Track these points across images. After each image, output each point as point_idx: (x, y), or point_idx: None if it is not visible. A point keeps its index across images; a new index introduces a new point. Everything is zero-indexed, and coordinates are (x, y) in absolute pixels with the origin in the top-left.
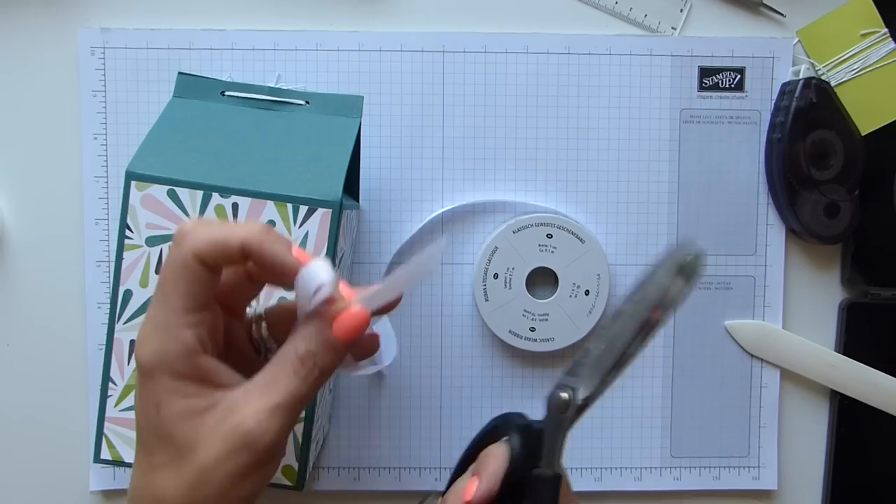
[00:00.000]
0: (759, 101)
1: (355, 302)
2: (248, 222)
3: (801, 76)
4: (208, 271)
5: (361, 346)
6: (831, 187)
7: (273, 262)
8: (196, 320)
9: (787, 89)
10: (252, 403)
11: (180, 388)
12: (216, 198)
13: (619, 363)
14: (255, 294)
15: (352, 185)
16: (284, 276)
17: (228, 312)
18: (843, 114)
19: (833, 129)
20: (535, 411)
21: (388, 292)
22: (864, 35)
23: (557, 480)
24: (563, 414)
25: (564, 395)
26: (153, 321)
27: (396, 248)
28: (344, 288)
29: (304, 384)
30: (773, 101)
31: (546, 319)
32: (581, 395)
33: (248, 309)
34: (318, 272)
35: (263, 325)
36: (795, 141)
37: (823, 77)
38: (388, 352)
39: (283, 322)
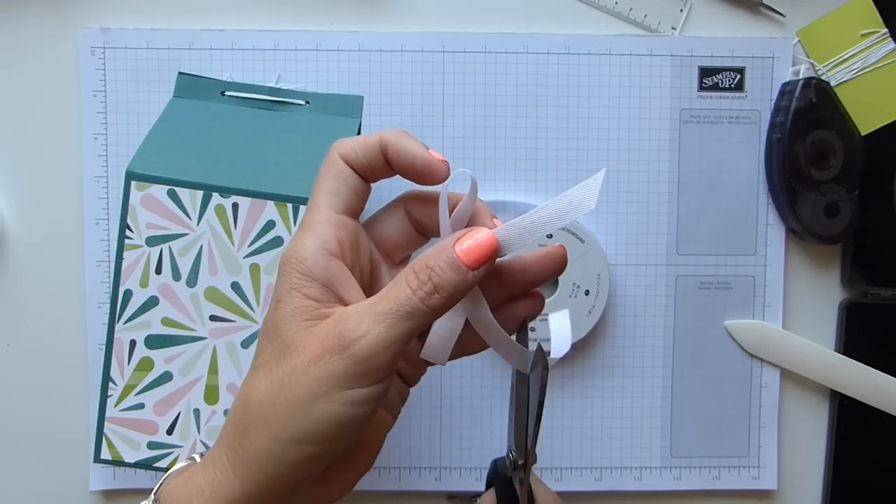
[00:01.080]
0: (759, 101)
1: (489, 229)
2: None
3: (800, 76)
4: (353, 171)
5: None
6: (831, 187)
7: (407, 155)
8: (338, 220)
9: (786, 89)
10: (358, 310)
11: (305, 286)
12: (216, 198)
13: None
14: (417, 245)
15: None
16: (423, 173)
17: (386, 257)
18: (843, 114)
19: (833, 129)
20: None
21: (530, 226)
22: (863, 35)
23: None
24: (515, 471)
25: (507, 460)
26: (301, 224)
27: None
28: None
29: (414, 296)
30: (773, 101)
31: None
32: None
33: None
34: (461, 176)
35: None
36: (795, 141)
37: (823, 77)
38: (559, 346)
39: None
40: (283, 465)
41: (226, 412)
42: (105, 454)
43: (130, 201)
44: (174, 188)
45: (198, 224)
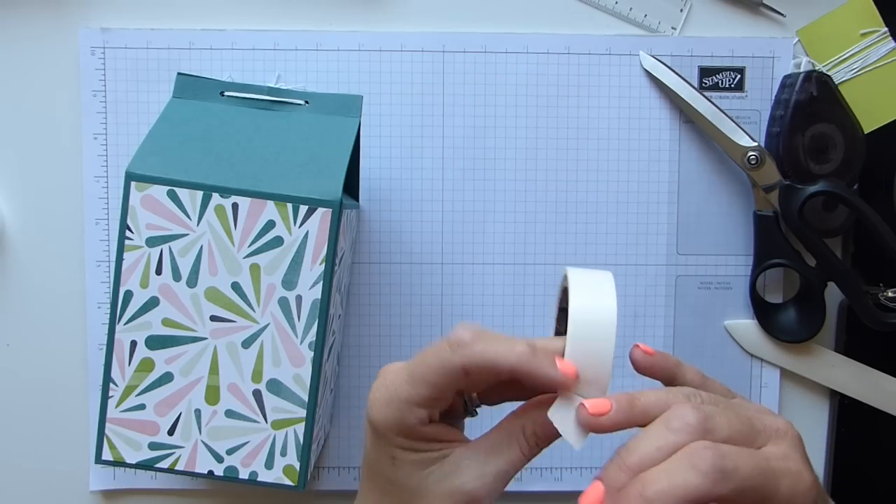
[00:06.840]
0: (759, 101)
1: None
2: (514, 342)
3: (802, 69)
4: (467, 379)
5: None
6: (830, 181)
7: (542, 381)
8: (436, 405)
9: (787, 82)
10: (477, 467)
11: (412, 445)
12: (216, 198)
13: None
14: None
15: (352, 185)
16: (551, 388)
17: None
18: (845, 107)
19: (833, 123)
20: None
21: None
22: (863, 34)
23: None
24: None
25: None
26: (394, 390)
27: (396, 248)
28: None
29: (525, 458)
30: (774, 96)
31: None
32: None
33: None
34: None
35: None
36: (794, 134)
37: None
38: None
39: (494, 391)
40: None
41: (227, 412)
42: (106, 455)
43: (130, 202)
44: (174, 189)
45: (198, 224)
